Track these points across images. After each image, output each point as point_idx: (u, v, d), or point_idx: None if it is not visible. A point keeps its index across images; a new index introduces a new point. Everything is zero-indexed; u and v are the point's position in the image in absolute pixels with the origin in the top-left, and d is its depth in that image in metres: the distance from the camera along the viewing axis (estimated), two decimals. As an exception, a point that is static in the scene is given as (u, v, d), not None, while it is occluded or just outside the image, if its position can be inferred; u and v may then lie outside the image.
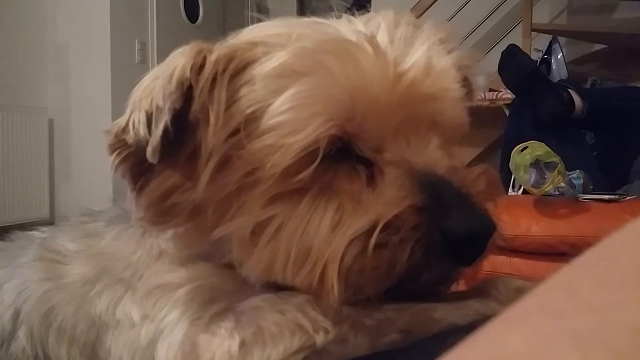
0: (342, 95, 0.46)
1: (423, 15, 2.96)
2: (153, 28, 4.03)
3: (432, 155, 0.49)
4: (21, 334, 0.57)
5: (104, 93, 3.64)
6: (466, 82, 0.56)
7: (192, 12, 4.42)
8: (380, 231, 0.44)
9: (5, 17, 3.48)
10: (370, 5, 3.65)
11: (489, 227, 0.46)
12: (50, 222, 3.40)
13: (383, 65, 0.47)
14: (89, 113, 3.68)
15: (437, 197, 0.46)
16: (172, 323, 0.49)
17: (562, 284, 0.20)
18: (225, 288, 0.51)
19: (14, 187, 3.44)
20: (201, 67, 0.47)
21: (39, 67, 3.70)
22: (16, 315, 0.58)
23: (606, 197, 1.61)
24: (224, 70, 0.47)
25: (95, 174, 3.43)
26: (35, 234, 0.67)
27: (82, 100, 3.71)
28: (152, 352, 0.50)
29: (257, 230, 0.48)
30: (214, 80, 0.47)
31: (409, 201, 0.45)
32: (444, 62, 0.51)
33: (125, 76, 3.71)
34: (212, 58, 0.47)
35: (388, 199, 0.46)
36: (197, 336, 0.47)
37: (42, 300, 0.56)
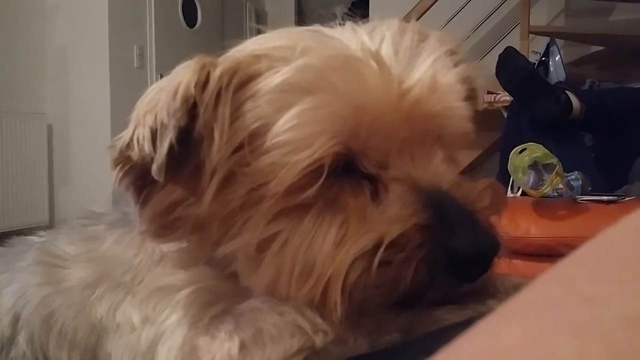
0: (347, 113, 0.46)
1: (421, 18, 2.97)
2: (152, 33, 4.03)
3: (436, 170, 0.49)
4: (21, 339, 0.57)
5: (102, 98, 3.64)
6: (472, 92, 0.56)
7: (190, 18, 4.43)
8: (385, 249, 0.44)
9: (4, 22, 3.48)
10: (369, 6, 3.66)
11: (493, 247, 0.46)
12: (49, 227, 3.39)
13: (387, 83, 0.47)
14: (87, 118, 3.68)
15: (442, 215, 0.46)
16: (172, 326, 0.49)
17: (558, 277, 0.20)
18: (225, 290, 0.51)
19: (13, 193, 3.44)
20: (205, 83, 0.47)
21: (38, 72, 3.71)
22: (16, 320, 0.58)
23: (605, 198, 1.61)
24: (228, 85, 0.47)
25: (94, 179, 3.42)
26: (33, 238, 0.67)
27: (81, 106, 3.71)
28: (152, 356, 0.50)
29: (262, 246, 0.48)
30: (218, 96, 0.47)
31: (414, 219, 0.45)
32: (450, 78, 0.51)
33: (124, 81, 3.72)
34: (216, 74, 0.47)
35: (393, 217, 0.46)
36: (197, 339, 0.47)
37: (41, 304, 0.56)
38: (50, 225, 3.54)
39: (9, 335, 0.58)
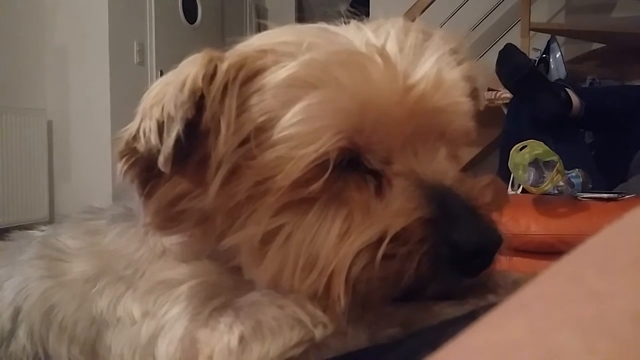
0: (352, 108, 0.47)
1: (422, 15, 2.96)
2: (152, 29, 4.03)
3: (439, 166, 0.50)
4: (21, 332, 0.57)
5: (102, 94, 3.64)
6: (474, 92, 0.56)
7: (190, 14, 4.42)
8: (389, 242, 0.45)
9: (4, 18, 3.47)
10: (369, 3, 3.65)
11: (495, 241, 0.47)
12: (49, 223, 3.40)
13: (393, 78, 0.48)
14: (88, 114, 3.68)
15: (445, 209, 0.46)
16: (172, 319, 0.49)
17: (564, 272, 0.20)
18: (227, 284, 0.52)
19: (13, 189, 3.44)
20: (212, 76, 0.47)
21: (38, 68, 3.70)
22: (16, 314, 0.57)
23: (605, 195, 1.61)
24: (235, 78, 0.47)
25: (95, 175, 3.43)
26: (35, 232, 0.67)
27: (81, 102, 3.71)
28: (152, 349, 0.50)
29: (266, 239, 0.48)
30: (224, 89, 0.47)
31: (418, 213, 0.46)
32: (454, 75, 0.51)
33: (124, 77, 3.71)
34: (223, 67, 0.47)
35: (396, 211, 0.46)
36: (197, 331, 0.48)
37: (42, 298, 0.56)
38: (50, 221, 3.54)
39: (9, 329, 0.57)
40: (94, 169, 3.48)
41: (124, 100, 3.49)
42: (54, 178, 3.78)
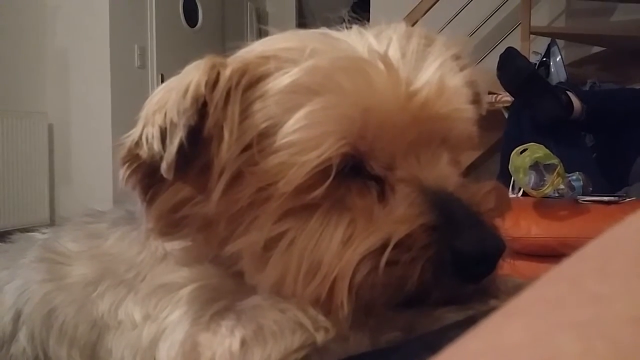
0: (355, 114, 0.47)
1: (422, 18, 2.97)
2: (152, 33, 4.03)
3: (442, 171, 0.50)
4: (22, 335, 0.57)
5: (103, 98, 3.64)
6: (476, 97, 0.56)
7: (191, 17, 4.43)
8: (392, 249, 0.45)
9: (5, 22, 3.48)
10: (370, 7, 3.66)
11: (498, 248, 0.47)
12: (50, 226, 3.40)
13: (395, 84, 0.48)
14: (88, 118, 3.69)
15: (448, 216, 0.46)
16: (173, 323, 0.50)
17: (563, 276, 0.20)
18: (227, 288, 0.52)
19: (14, 192, 3.44)
20: (215, 82, 0.47)
21: (39, 72, 3.71)
22: (17, 317, 0.58)
23: (606, 198, 1.61)
24: (237, 85, 0.47)
25: (95, 178, 3.44)
26: (36, 235, 0.67)
27: (81, 105, 3.72)
28: (153, 352, 0.50)
29: (269, 245, 0.48)
30: (227, 95, 0.47)
31: (421, 220, 0.46)
32: (457, 81, 0.51)
33: (125, 81, 3.72)
34: (225, 73, 0.47)
35: (399, 217, 0.46)
36: (198, 335, 0.47)
37: (43, 301, 0.56)
38: (50, 224, 3.54)
39: (10, 332, 0.58)
40: (95, 172, 3.48)
41: (125, 103, 3.50)
42: (55, 181, 3.79)
